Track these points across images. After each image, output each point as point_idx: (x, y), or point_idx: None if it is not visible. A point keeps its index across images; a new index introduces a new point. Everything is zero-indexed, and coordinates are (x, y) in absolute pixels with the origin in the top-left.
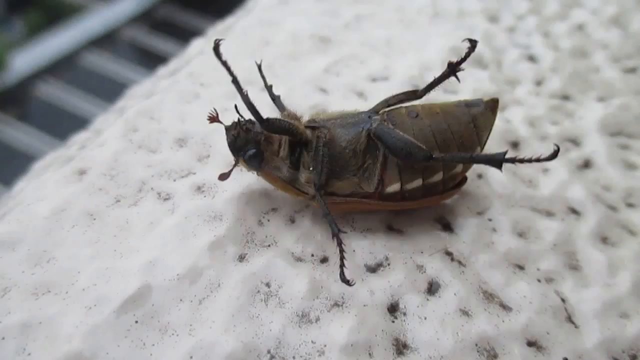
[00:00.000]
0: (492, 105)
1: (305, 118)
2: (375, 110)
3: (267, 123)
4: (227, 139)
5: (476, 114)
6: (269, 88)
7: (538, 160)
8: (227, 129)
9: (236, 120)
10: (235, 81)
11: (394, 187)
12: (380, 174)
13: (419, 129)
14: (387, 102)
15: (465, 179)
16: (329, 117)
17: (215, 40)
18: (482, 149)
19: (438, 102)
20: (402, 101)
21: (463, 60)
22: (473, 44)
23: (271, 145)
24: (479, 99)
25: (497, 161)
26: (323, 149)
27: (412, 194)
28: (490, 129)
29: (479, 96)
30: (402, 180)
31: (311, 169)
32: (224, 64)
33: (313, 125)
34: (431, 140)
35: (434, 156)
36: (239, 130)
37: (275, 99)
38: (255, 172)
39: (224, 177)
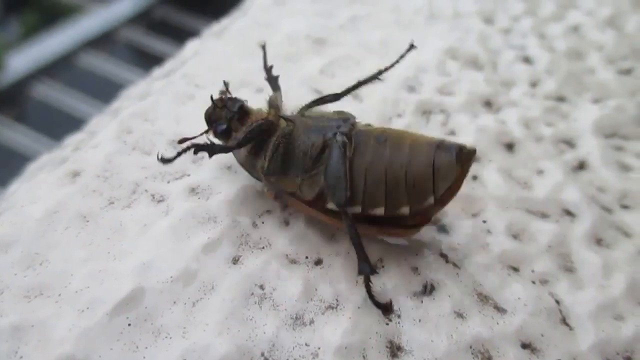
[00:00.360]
0: (464, 157)
1: (292, 111)
2: (348, 123)
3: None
4: (207, 110)
5: (441, 161)
6: (268, 69)
7: None
8: (212, 100)
9: (224, 97)
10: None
11: (334, 206)
12: (324, 187)
13: (377, 157)
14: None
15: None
16: (310, 115)
17: None
18: (437, 200)
19: (415, 133)
20: (323, 102)
21: (392, 66)
22: (411, 48)
23: (242, 126)
24: (456, 145)
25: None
26: (281, 139)
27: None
28: (454, 183)
29: (475, 98)
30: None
31: (265, 159)
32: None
33: (286, 117)
34: (381, 174)
35: (345, 209)
36: (220, 104)
37: (272, 79)
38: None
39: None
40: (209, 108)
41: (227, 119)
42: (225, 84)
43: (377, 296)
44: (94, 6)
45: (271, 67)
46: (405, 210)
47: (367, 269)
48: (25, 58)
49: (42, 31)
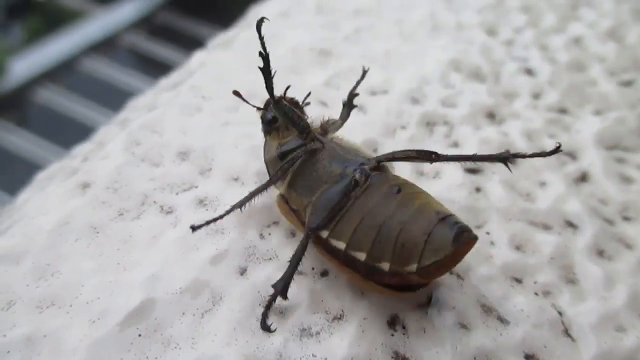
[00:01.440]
0: (463, 240)
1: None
2: (377, 161)
3: (278, 104)
4: (269, 101)
5: (438, 234)
6: (350, 97)
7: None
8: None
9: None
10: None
11: (325, 234)
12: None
13: (382, 205)
14: (394, 156)
15: (425, 284)
16: (341, 143)
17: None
18: (419, 269)
19: (432, 199)
20: (410, 158)
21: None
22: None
23: (280, 128)
24: (460, 225)
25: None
26: (305, 155)
27: (353, 265)
28: (442, 259)
29: (478, 110)
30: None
31: (291, 172)
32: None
33: (318, 135)
34: (378, 221)
35: (311, 232)
36: (283, 109)
37: (349, 106)
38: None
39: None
40: (272, 100)
41: (275, 116)
42: (238, 93)
43: (268, 318)
44: (96, 11)
45: (355, 95)
46: (385, 265)
47: (280, 288)
48: (27, 63)
49: (44, 36)
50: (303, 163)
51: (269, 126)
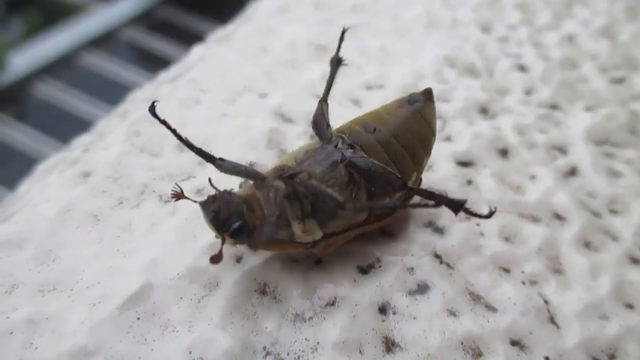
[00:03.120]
0: (428, 96)
1: (269, 168)
2: (332, 136)
3: (222, 164)
4: (206, 218)
5: (420, 108)
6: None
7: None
8: (204, 205)
9: (211, 194)
10: (176, 135)
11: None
12: (368, 198)
13: (385, 142)
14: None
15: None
16: (295, 159)
17: (152, 103)
18: (435, 137)
19: (377, 109)
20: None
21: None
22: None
23: (253, 212)
24: (413, 94)
25: (456, 205)
26: (311, 196)
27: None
28: (435, 117)
29: (471, 105)
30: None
31: (301, 219)
32: (164, 122)
33: (288, 174)
34: (397, 148)
35: (408, 186)
36: (218, 203)
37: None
38: (246, 247)
39: (216, 259)
40: (209, 214)
41: (238, 213)
42: (209, 180)
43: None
44: (96, 6)
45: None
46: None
47: (458, 204)
48: (27, 57)
49: (44, 30)
50: (319, 199)
51: (248, 231)
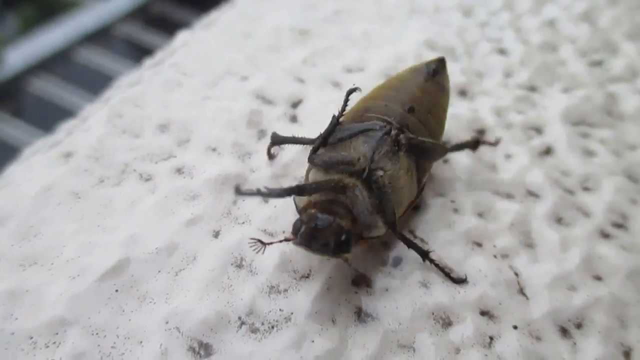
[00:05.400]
0: (443, 65)
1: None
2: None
3: (301, 189)
4: (317, 252)
5: (442, 80)
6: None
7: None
8: (309, 245)
9: (302, 227)
10: (262, 194)
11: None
12: (419, 177)
13: (424, 120)
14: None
15: None
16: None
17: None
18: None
19: (398, 80)
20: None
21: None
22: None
23: (345, 218)
24: (430, 63)
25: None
26: (385, 191)
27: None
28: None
29: (450, 87)
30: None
31: (378, 211)
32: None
33: (362, 170)
34: (432, 122)
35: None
36: (323, 234)
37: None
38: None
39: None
40: (320, 250)
41: (339, 227)
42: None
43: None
44: (91, 1)
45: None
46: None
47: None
48: (22, 53)
49: (39, 26)
50: (393, 190)
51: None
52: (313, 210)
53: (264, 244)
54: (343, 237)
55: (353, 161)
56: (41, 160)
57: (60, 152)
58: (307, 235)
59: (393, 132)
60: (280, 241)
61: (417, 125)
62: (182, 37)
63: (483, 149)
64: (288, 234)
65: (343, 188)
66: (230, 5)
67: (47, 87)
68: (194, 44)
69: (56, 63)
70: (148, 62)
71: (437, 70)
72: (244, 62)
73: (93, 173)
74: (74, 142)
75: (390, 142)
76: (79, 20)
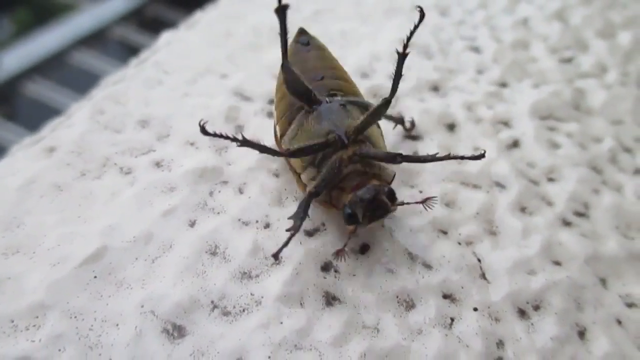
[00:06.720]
0: (305, 32)
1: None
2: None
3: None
4: (380, 214)
5: (317, 45)
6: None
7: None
8: (372, 210)
9: (358, 200)
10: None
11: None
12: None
13: (338, 80)
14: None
15: None
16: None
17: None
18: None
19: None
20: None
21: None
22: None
23: (373, 178)
24: (302, 38)
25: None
26: (368, 135)
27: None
28: None
29: (423, 83)
30: None
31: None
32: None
33: (356, 134)
34: (343, 80)
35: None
36: (375, 199)
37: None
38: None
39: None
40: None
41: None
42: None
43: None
44: (86, 4)
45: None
46: None
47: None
48: (17, 56)
49: (34, 29)
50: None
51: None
52: (350, 195)
53: (341, 251)
54: (387, 190)
55: (328, 141)
56: (25, 154)
57: (44, 146)
58: (367, 211)
59: (330, 98)
60: (349, 237)
61: (338, 85)
62: (166, 36)
63: (454, 143)
64: (345, 230)
65: (346, 162)
66: (214, 6)
67: (41, 90)
68: (177, 43)
69: (51, 66)
70: (133, 61)
71: (306, 40)
72: (224, 60)
73: (75, 167)
74: (57, 137)
75: (339, 107)
76: (74, 24)
